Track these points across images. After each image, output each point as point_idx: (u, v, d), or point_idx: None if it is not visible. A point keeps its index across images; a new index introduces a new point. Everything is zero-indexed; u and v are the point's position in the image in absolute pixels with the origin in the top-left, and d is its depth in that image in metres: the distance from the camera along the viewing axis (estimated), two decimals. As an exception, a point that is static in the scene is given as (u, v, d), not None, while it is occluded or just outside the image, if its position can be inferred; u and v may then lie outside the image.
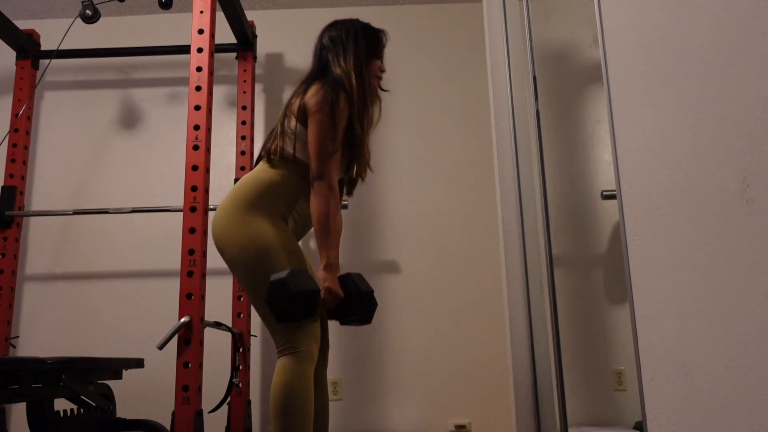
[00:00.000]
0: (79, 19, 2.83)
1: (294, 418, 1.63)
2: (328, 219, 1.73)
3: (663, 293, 1.04)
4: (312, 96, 1.80)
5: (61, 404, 1.88)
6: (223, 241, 1.75)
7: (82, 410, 1.97)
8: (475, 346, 2.93)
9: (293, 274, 1.63)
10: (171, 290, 2.99)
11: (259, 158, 1.92)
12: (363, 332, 2.97)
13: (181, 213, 2.17)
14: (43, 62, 3.14)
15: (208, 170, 2.20)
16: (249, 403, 2.69)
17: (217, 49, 2.77)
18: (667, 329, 1.03)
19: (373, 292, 1.80)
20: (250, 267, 1.72)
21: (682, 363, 0.97)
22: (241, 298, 2.78)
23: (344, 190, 2.04)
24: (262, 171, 1.84)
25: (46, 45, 3.15)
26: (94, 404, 2.00)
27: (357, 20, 2.01)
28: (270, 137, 1.90)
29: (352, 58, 1.89)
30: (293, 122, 1.84)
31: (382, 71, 2.01)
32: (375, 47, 1.98)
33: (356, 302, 1.75)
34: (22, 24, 3.26)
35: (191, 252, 2.07)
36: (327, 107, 1.77)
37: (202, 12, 2.30)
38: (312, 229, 1.85)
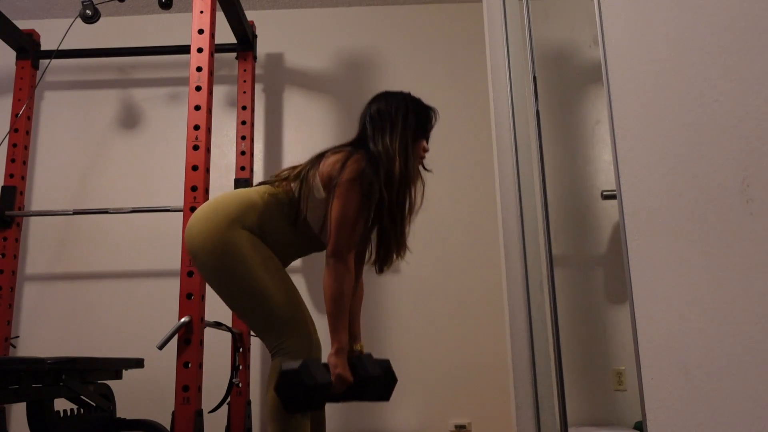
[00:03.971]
0: (79, 19, 2.83)
1: (291, 419, 1.63)
2: (342, 301, 1.68)
3: (663, 293, 1.04)
4: (345, 170, 1.70)
5: (61, 404, 1.88)
6: (195, 244, 1.71)
7: (82, 410, 1.97)
8: (475, 346, 2.93)
9: (306, 366, 1.59)
10: (171, 290, 2.99)
11: (267, 181, 1.86)
12: (363, 332, 2.96)
13: (181, 213, 2.17)
14: (43, 62, 3.14)
15: (208, 170, 2.20)
16: (249, 403, 2.69)
17: (217, 49, 2.77)
18: (667, 329, 1.03)
19: (388, 368, 1.77)
20: (220, 269, 1.68)
21: (682, 363, 0.97)
22: (241, 298, 2.78)
23: (376, 269, 1.92)
24: (260, 194, 1.77)
25: (46, 45, 3.15)
26: (94, 404, 2.00)
27: (409, 94, 1.91)
28: (289, 174, 1.82)
29: (398, 137, 1.79)
30: (317, 182, 1.76)
31: (426, 151, 1.90)
32: (424, 126, 1.89)
33: (365, 386, 1.73)
34: (22, 24, 3.26)
35: (191, 252, 2.07)
36: (357, 187, 1.69)
37: (202, 12, 2.30)
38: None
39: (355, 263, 1.81)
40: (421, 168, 1.91)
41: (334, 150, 1.82)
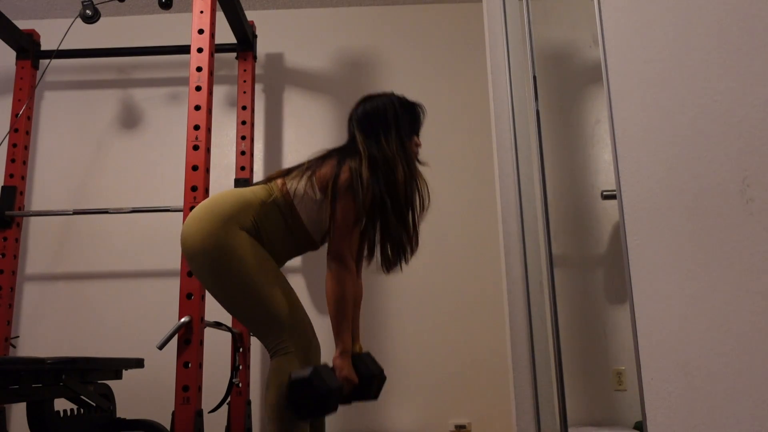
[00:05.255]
0: (79, 19, 2.83)
1: (290, 419, 1.63)
2: (345, 304, 1.70)
3: (663, 293, 1.04)
4: (342, 175, 1.72)
5: (61, 404, 1.88)
6: (190, 245, 1.70)
7: (82, 410, 1.97)
8: (475, 346, 2.93)
9: (317, 372, 1.61)
10: (171, 290, 2.99)
11: (263, 181, 1.86)
12: (363, 332, 2.96)
13: (181, 213, 2.17)
14: (43, 62, 3.14)
15: (208, 170, 2.20)
16: (249, 403, 2.69)
17: (217, 49, 2.77)
18: (667, 329, 1.03)
19: (382, 372, 1.80)
20: (217, 270, 1.67)
21: (682, 363, 0.97)
22: (241, 298, 2.78)
23: (385, 269, 1.92)
24: (252, 195, 1.77)
25: (46, 45, 3.15)
26: (94, 404, 2.00)
27: (393, 94, 1.92)
28: (287, 174, 1.83)
29: (393, 139, 1.81)
30: (314, 182, 1.77)
31: (418, 146, 1.92)
32: (414, 123, 1.90)
33: (367, 385, 1.75)
34: (22, 24, 3.26)
35: (191, 252, 2.07)
36: (351, 193, 1.71)
37: (202, 12, 2.30)
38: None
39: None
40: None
41: (331, 154, 1.83)
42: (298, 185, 1.78)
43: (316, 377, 1.59)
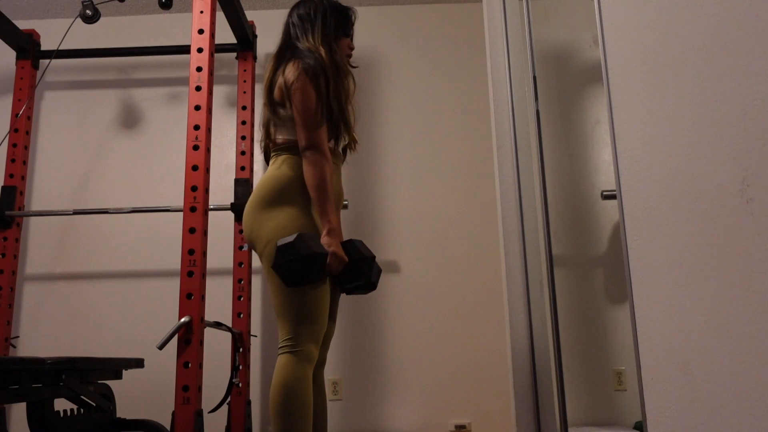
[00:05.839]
0: (79, 19, 2.83)
1: (293, 418, 1.63)
2: (325, 185, 1.75)
3: (663, 293, 1.04)
4: (290, 74, 1.81)
5: (61, 404, 1.88)
6: (252, 237, 1.80)
7: (82, 410, 1.96)
8: (475, 346, 2.93)
9: (301, 237, 1.66)
10: (171, 290, 2.99)
11: (266, 155, 1.95)
12: (363, 332, 2.97)
13: (181, 213, 2.17)
14: (43, 62, 3.14)
15: (208, 170, 2.20)
16: (249, 403, 2.69)
17: (217, 49, 2.77)
18: (667, 329, 1.03)
19: (374, 257, 1.83)
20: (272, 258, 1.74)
21: (682, 363, 0.97)
22: (241, 298, 2.78)
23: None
24: (275, 168, 1.85)
25: (46, 45, 3.15)
26: (94, 404, 2.00)
27: None
28: (265, 133, 1.92)
29: (320, 35, 1.90)
30: (277, 108, 1.86)
31: (351, 48, 2.01)
32: (344, 25, 1.99)
33: (360, 267, 1.78)
34: (22, 24, 3.26)
35: (191, 252, 2.07)
36: (307, 79, 1.78)
37: (202, 12, 2.30)
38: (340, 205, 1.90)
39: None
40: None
41: (270, 75, 1.90)
42: (277, 127, 1.86)
43: (300, 241, 1.65)
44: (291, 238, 1.66)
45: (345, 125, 1.90)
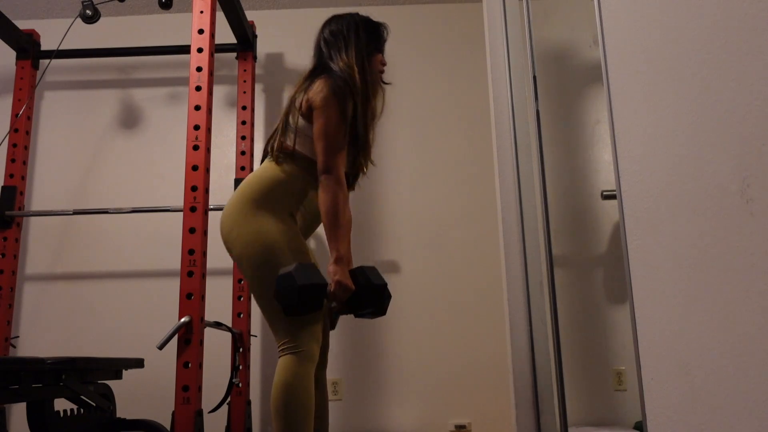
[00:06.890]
0: (79, 19, 2.83)
1: (295, 418, 1.63)
2: (337, 212, 1.73)
3: (663, 293, 1.04)
4: (318, 92, 1.78)
5: (61, 404, 1.88)
6: (230, 239, 1.76)
7: (82, 410, 1.96)
8: (475, 346, 2.93)
9: (300, 267, 1.64)
10: (171, 290, 2.99)
11: (264, 156, 1.93)
12: (363, 332, 2.97)
13: (181, 213, 2.17)
14: (43, 62, 3.14)
15: (208, 170, 2.20)
16: (249, 403, 2.69)
17: (217, 49, 2.77)
18: (667, 329, 1.03)
19: (386, 285, 1.79)
20: (254, 264, 1.72)
21: (682, 363, 0.97)
22: (241, 298, 2.78)
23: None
24: (266, 169, 1.83)
25: (46, 45, 3.15)
26: (94, 404, 2.00)
27: (357, 14, 1.99)
28: (273, 134, 1.90)
29: (353, 52, 1.88)
30: (297, 118, 1.83)
31: (384, 65, 1.99)
32: (376, 41, 1.97)
33: (368, 295, 1.75)
34: (22, 24, 3.25)
35: (191, 252, 2.07)
36: (334, 102, 1.76)
37: (202, 12, 2.30)
38: (321, 225, 1.85)
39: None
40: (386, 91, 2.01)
41: (299, 89, 1.87)
42: (287, 133, 1.84)
43: (298, 271, 1.63)
44: (290, 268, 1.64)
45: (364, 152, 1.88)
